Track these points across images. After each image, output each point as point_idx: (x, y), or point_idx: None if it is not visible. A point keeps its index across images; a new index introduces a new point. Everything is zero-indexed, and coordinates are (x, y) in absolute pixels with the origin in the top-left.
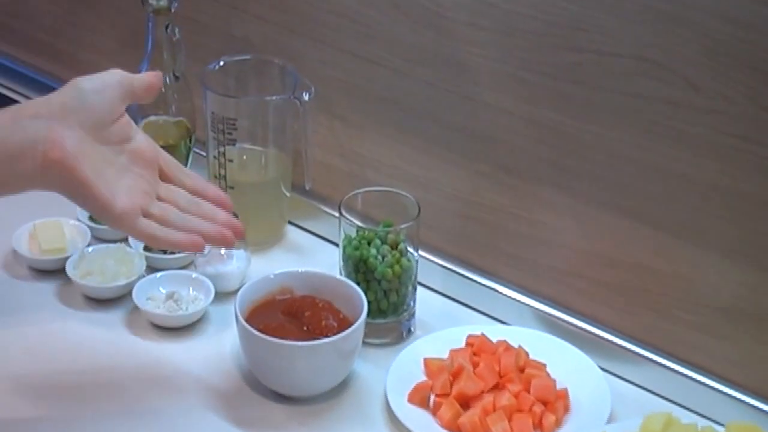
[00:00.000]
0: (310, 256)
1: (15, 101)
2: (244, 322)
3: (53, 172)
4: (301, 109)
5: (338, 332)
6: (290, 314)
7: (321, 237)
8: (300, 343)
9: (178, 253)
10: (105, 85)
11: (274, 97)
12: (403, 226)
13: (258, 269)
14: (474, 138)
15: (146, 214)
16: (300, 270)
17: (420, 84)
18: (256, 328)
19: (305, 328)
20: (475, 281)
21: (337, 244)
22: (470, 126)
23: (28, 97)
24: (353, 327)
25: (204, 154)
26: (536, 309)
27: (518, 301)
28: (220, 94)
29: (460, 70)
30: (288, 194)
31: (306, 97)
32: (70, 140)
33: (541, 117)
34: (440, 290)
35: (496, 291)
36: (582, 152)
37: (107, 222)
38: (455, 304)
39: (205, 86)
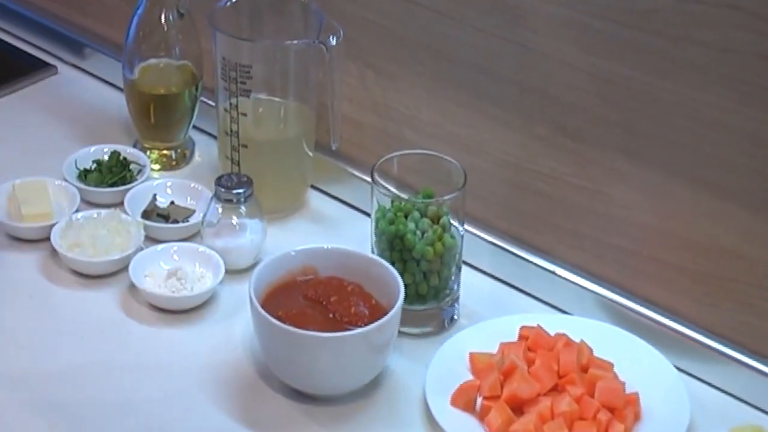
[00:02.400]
0: (336, 227)
1: (16, 48)
2: (259, 308)
3: None
4: (327, 55)
5: (370, 321)
6: (314, 299)
7: (348, 204)
8: (325, 335)
9: (182, 221)
10: None
11: (295, 42)
12: (446, 197)
13: (275, 243)
14: (529, 94)
15: None
16: (326, 247)
17: (467, 29)
18: (273, 315)
19: (331, 316)
20: (529, 262)
21: (367, 214)
22: (525, 80)
23: (29, 42)
24: (388, 316)
25: (213, 104)
26: (600, 296)
27: (580, 286)
28: (231, 37)
29: (514, 14)
30: (311, 154)
31: (333, 42)
32: None
33: (609, 72)
34: (488, 271)
35: (554, 274)
36: (657, 114)
37: None
38: (505, 288)
39: (214, 26)
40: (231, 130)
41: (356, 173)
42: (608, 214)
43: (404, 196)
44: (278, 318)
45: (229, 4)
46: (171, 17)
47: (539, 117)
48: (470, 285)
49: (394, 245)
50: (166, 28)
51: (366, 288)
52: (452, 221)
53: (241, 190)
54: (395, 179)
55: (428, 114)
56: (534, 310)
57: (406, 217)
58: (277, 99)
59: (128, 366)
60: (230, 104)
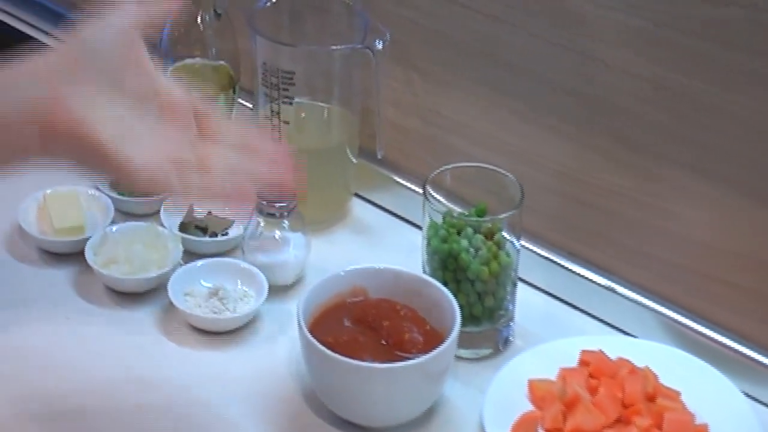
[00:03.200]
0: (381, 238)
1: (20, 32)
2: (309, 336)
3: (59, 141)
4: (374, 60)
5: (425, 349)
6: (364, 323)
7: (392, 213)
8: (379, 366)
9: (221, 234)
10: (113, 28)
11: (340, 47)
12: (503, 215)
13: (318, 256)
14: (588, 104)
15: (180, 168)
16: (377, 267)
17: (523, 35)
18: (323, 343)
19: (383, 342)
20: (586, 279)
21: (412, 224)
22: (584, 89)
23: (36, 28)
24: (444, 345)
25: (250, 105)
26: (664, 316)
27: (642, 305)
28: (273, 42)
29: (575, 21)
30: (354, 161)
31: (379, 46)
32: (77, 101)
33: (674, 83)
34: (542, 287)
35: (614, 292)
36: (725, 128)
37: (134, 185)
38: (561, 306)
39: (254, 30)
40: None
41: (401, 181)
42: (673, 232)
43: (457, 210)
44: (328, 345)
45: (269, 4)
46: (207, 18)
47: (599, 128)
48: (524, 302)
49: (448, 264)
50: (202, 28)
51: (420, 312)
52: (506, 236)
53: (284, 204)
54: (446, 191)
55: (479, 122)
56: (592, 330)
57: (459, 233)
58: (319, 104)
59: (166, 390)
60: (272, 111)
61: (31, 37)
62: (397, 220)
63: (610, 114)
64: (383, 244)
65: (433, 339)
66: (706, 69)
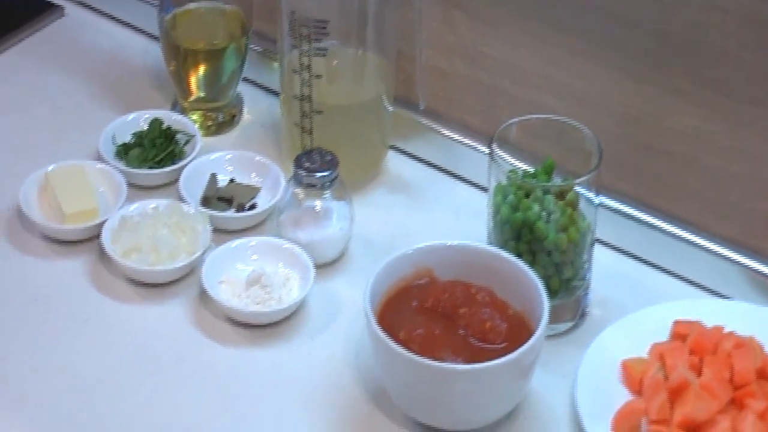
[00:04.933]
0: (423, 195)
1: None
2: (381, 334)
3: None
4: (416, 2)
5: (509, 338)
6: (438, 311)
7: (431, 165)
8: (465, 367)
9: (248, 205)
10: None
11: None
12: (582, 178)
13: (357, 221)
14: (666, 41)
15: None
16: (448, 243)
17: None
18: (396, 340)
19: (461, 332)
20: (664, 232)
21: (456, 175)
22: (661, 25)
23: None
24: (536, 335)
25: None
26: (754, 272)
27: (729, 260)
28: None
29: None
30: (391, 109)
31: None
32: None
33: (763, 15)
34: (614, 244)
35: (697, 246)
36: None
37: None
38: (637, 265)
39: None
40: (303, 95)
41: (441, 129)
42: (761, 179)
43: (522, 168)
44: (401, 342)
45: None
46: None
47: (678, 68)
48: (597, 263)
49: (522, 235)
50: None
51: (498, 293)
52: (581, 193)
53: (326, 173)
54: (510, 146)
55: (533, 62)
56: (676, 292)
57: (527, 195)
58: (353, 52)
59: (207, 393)
60: (301, 65)
61: (52, 4)
62: (439, 173)
63: (691, 52)
64: (427, 202)
65: (517, 325)
66: None
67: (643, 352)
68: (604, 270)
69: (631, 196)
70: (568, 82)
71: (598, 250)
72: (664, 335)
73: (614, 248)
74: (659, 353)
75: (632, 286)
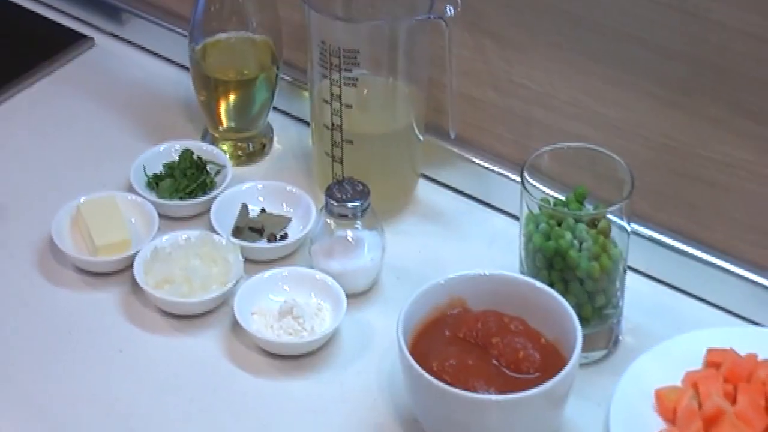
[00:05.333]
0: (455, 224)
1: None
2: (414, 364)
3: None
4: (446, 31)
5: (542, 367)
6: (470, 340)
7: (462, 193)
8: (499, 398)
9: (279, 235)
10: None
11: (412, 19)
12: (613, 207)
13: (388, 250)
14: (700, 69)
15: None
16: (482, 273)
17: None
18: (429, 370)
19: (494, 362)
20: (698, 260)
21: (487, 204)
22: (695, 53)
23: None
24: (569, 365)
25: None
26: None
27: (765, 287)
28: (335, 18)
29: None
30: (422, 138)
31: (450, 13)
32: None
33: None
34: (647, 272)
35: (731, 273)
36: None
37: None
38: (671, 292)
39: (310, 5)
40: (333, 124)
41: (472, 158)
42: None
43: (553, 196)
44: (434, 373)
45: None
46: None
47: (713, 96)
48: (630, 290)
49: (554, 264)
50: None
51: (531, 322)
52: (612, 218)
53: (357, 203)
54: (541, 174)
55: (566, 91)
56: (711, 320)
57: (559, 224)
58: (384, 81)
59: (240, 424)
60: (332, 95)
61: (83, 35)
62: (470, 202)
63: (726, 80)
64: (458, 231)
65: (550, 354)
66: None
67: (677, 381)
68: (637, 297)
69: (665, 223)
70: (601, 111)
71: (631, 278)
72: (697, 363)
73: (647, 276)
74: (693, 381)
75: (665, 313)
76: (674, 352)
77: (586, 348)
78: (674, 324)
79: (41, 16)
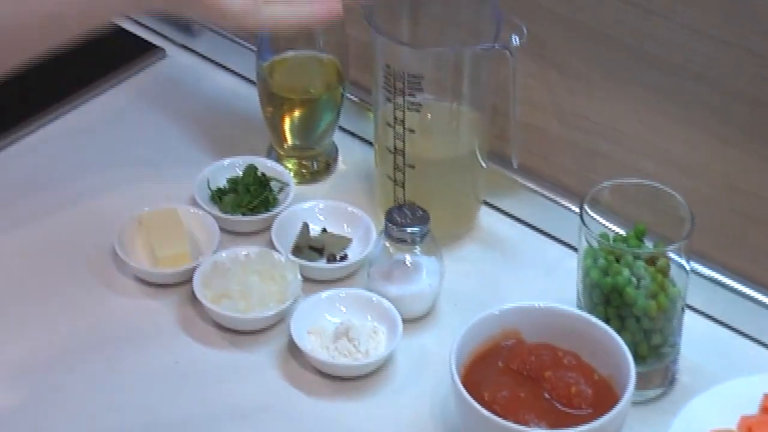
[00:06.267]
0: (515, 253)
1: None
2: (466, 395)
3: None
4: (511, 60)
5: (594, 404)
6: (523, 373)
7: (524, 222)
8: None
9: (339, 256)
10: None
11: (477, 47)
12: (673, 245)
13: (447, 275)
14: (764, 110)
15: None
16: (537, 305)
17: (684, 31)
18: (480, 401)
19: (546, 396)
20: (759, 303)
21: (548, 234)
22: (760, 93)
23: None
24: (621, 403)
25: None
26: None
27: None
28: (401, 44)
29: (746, 15)
30: (485, 166)
31: (516, 42)
32: None
33: None
34: (708, 313)
35: None
36: None
37: (228, 23)
38: (730, 334)
39: (377, 29)
40: (395, 148)
41: (534, 187)
42: None
43: (613, 231)
44: (485, 403)
45: None
46: None
47: None
48: (688, 329)
49: (611, 300)
50: None
51: (584, 357)
52: (672, 259)
53: (417, 228)
54: (601, 208)
55: (630, 126)
56: (766, 362)
57: (618, 260)
58: (447, 107)
59: None
60: (395, 118)
61: (154, 46)
62: (531, 231)
63: None
64: (518, 261)
65: (603, 391)
66: None
67: (732, 424)
68: (695, 337)
69: (725, 263)
70: (666, 148)
71: (690, 317)
72: (753, 408)
73: (706, 316)
74: (748, 426)
75: (723, 355)
76: (730, 395)
77: (640, 386)
78: (732, 366)
79: (114, 24)
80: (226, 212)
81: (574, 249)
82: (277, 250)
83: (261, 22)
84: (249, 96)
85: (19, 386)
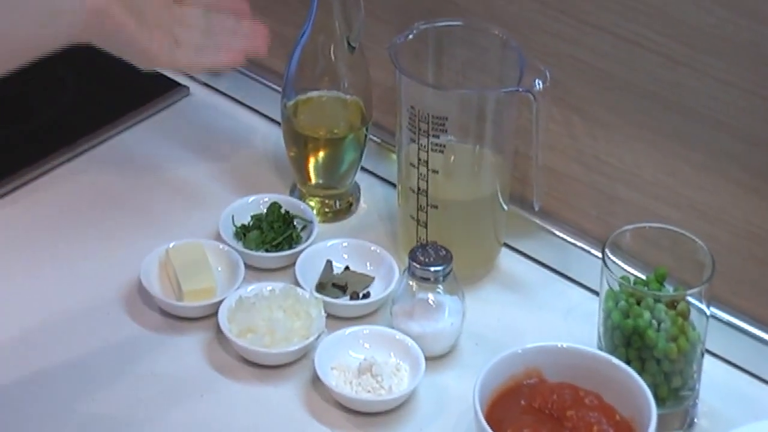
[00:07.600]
0: (535, 294)
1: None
2: (488, 430)
3: (96, 23)
4: (534, 104)
5: None
6: (545, 411)
7: (544, 265)
8: None
9: (362, 293)
10: None
11: (501, 90)
12: (693, 289)
13: (468, 315)
14: None
15: (177, 44)
16: (559, 345)
17: (706, 80)
18: None
19: None
20: None
21: (567, 277)
22: None
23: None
24: None
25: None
26: None
27: None
28: (426, 85)
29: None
30: (506, 208)
31: (539, 87)
32: None
33: None
34: (727, 358)
35: None
36: None
37: (144, 63)
38: (749, 380)
39: (402, 70)
40: (419, 188)
41: (555, 230)
42: None
43: (634, 275)
44: None
45: (411, 36)
46: (339, 51)
47: None
48: (706, 374)
49: (632, 342)
50: (333, 59)
51: (606, 398)
52: (693, 304)
53: (440, 267)
54: (622, 252)
55: (651, 172)
56: None
57: (638, 303)
58: (470, 149)
59: None
60: (419, 159)
61: (178, 84)
62: (551, 274)
63: None
64: (538, 302)
65: (624, 431)
66: None
67: None
68: (714, 382)
69: (745, 309)
70: (686, 193)
71: (709, 362)
72: None
73: (725, 361)
74: None
75: (741, 399)
76: None
77: (660, 428)
78: (750, 411)
79: None
80: (250, 248)
81: (593, 292)
82: (302, 287)
83: (175, 64)
84: (271, 134)
85: (46, 415)
